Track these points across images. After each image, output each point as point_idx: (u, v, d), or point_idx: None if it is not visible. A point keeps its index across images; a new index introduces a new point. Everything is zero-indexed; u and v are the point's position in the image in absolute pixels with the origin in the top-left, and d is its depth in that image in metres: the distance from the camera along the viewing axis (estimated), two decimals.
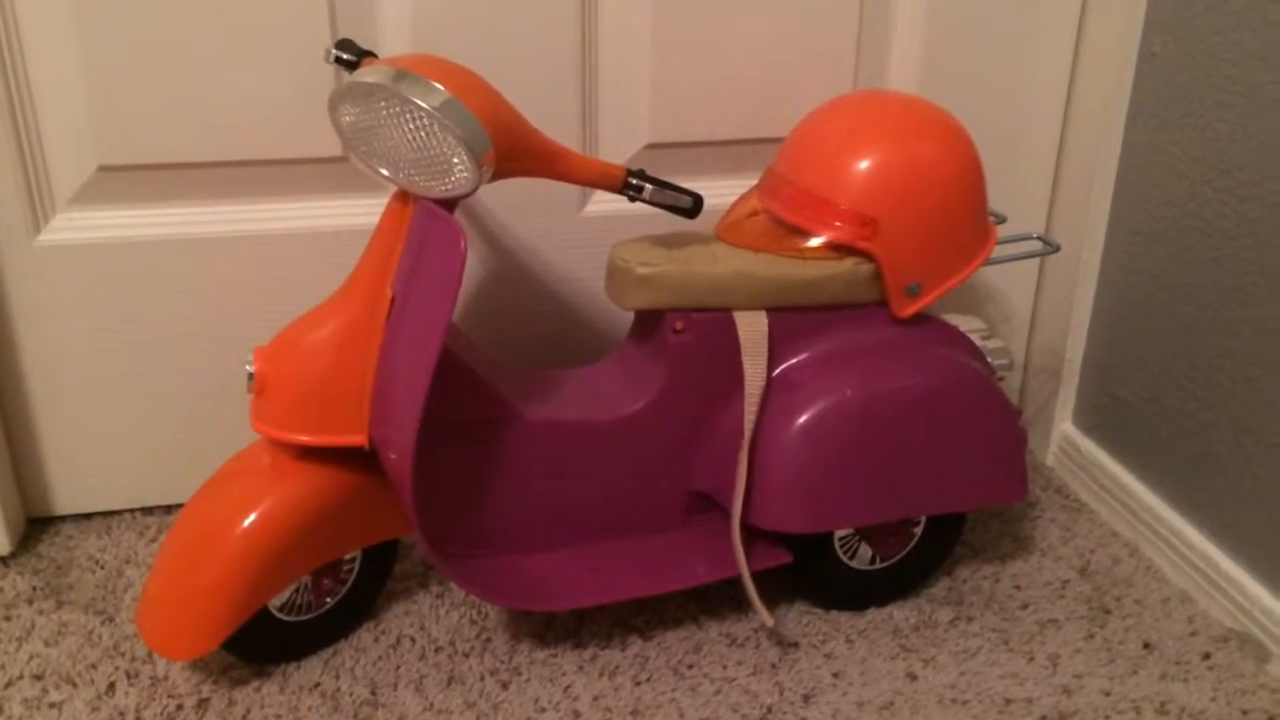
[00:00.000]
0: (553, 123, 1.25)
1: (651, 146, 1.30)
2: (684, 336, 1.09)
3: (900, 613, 1.19)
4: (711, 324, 1.08)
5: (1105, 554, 1.31)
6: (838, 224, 1.08)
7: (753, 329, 1.09)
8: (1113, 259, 1.38)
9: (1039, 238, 1.22)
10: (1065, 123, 1.40)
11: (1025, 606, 1.21)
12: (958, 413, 1.12)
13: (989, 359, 1.19)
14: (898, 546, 1.20)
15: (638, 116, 1.28)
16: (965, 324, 1.24)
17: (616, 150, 1.29)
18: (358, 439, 1.02)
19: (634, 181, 1.02)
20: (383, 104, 0.94)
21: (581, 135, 1.27)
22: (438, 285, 0.95)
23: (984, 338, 1.23)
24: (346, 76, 0.97)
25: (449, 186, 0.95)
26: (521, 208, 1.29)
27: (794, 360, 1.11)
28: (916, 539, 1.20)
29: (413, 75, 0.92)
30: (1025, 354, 1.52)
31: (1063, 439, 1.49)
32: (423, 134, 0.93)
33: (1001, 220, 1.22)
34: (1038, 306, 1.49)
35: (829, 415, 1.08)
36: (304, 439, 1.01)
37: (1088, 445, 1.44)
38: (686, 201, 1.04)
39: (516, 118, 0.97)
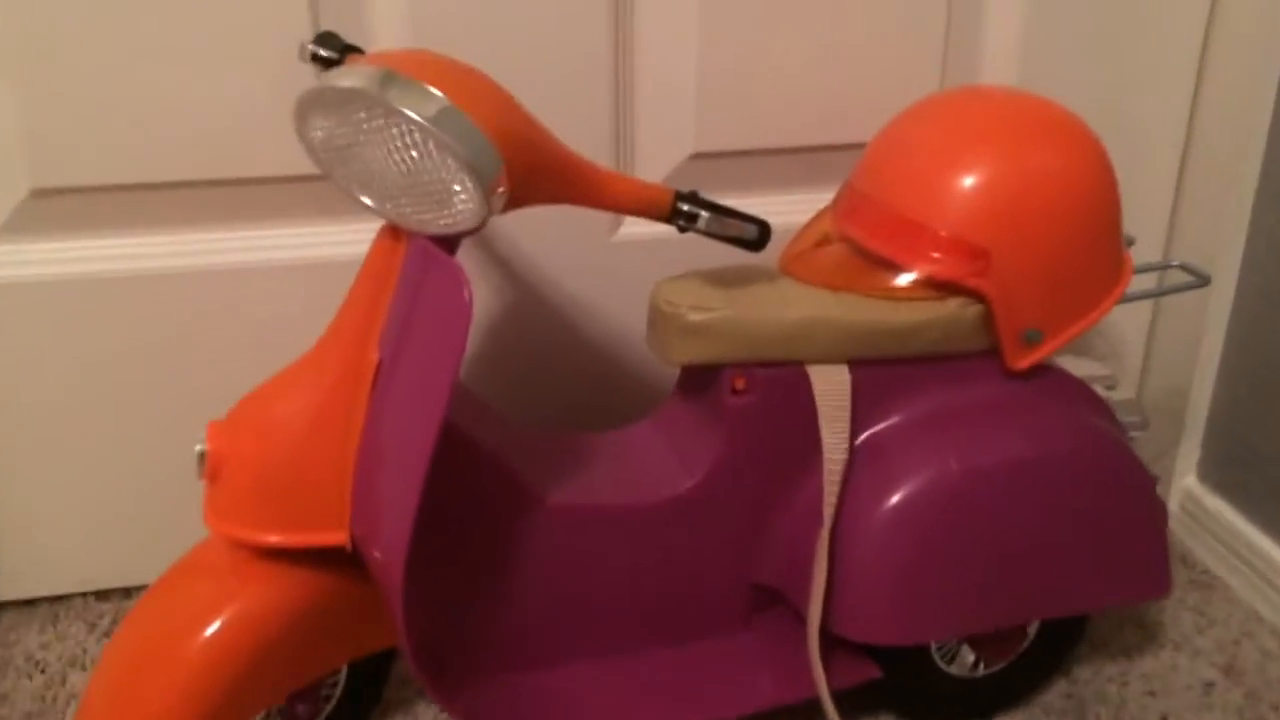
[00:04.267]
0: (577, 130, 1.03)
1: (698, 156, 1.08)
2: (746, 397, 0.87)
3: None
4: (780, 381, 0.86)
5: (1252, 646, 1.08)
6: (937, 255, 0.86)
7: (832, 387, 0.87)
8: (1250, 285, 1.15)
9: (1183, 266, 0.99)
10: (1192, 120, 1.16)
11: (1164, 719, 0.98)
12: (1086, 488, 0.90)
13: (1118, 417, 0.97)
14: (1007, 650, 0.97)
15: (681, 118, 1.06)
16: (1082, 369, 1.01)
17: (655, 163, 1.08)
18: (335, 537, 0.81)
19: (685, 208, 0.80)
20: (363, 115, 0.72)
21: (614, 145, 1.05)
22: (436, 347, 0.74)
23: (1108, 387, 1.00)
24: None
25: (449, 221, 0.74)
26: (540, 231, 1.07)
27: (883, 425, 0.89)
28: (1029, 640, 0.98)
29: (402, 77, 0.71)
30: (1137, 393, 1.29)
31: (1185, 497, 1.26)
32: (414, 153, 0.72)
33: (1130, 243, 0.99)
34: (1154, 337, 1.26)
35: (929, 494, 0.86)
36: (268, 539, 0.80)
37: (1217, 505, 1.21)
38: (751, 231, 0.82)
39: (535, 129, 0.75)
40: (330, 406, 0.79)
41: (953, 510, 0.87)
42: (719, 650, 0.92)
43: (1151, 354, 1.26)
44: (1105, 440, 0.91)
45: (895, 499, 0.86)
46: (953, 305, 0.87)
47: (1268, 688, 1.02)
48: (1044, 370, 0.91)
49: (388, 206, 0.76)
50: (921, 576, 0.87)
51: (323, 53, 0.86)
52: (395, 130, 0.71)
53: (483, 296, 1.08)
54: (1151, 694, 1.01)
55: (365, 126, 0.73)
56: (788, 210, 1.05)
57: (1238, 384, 1.18)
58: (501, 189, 0.72)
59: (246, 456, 0.80)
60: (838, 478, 0.86)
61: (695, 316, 0.84)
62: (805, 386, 0.86)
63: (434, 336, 0.74)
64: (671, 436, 0.92)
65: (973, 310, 0.87)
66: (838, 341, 0.86)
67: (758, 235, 0.83)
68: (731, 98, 1.06)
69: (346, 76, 0.71)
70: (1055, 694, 1.01)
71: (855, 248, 0.90)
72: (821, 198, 1.03)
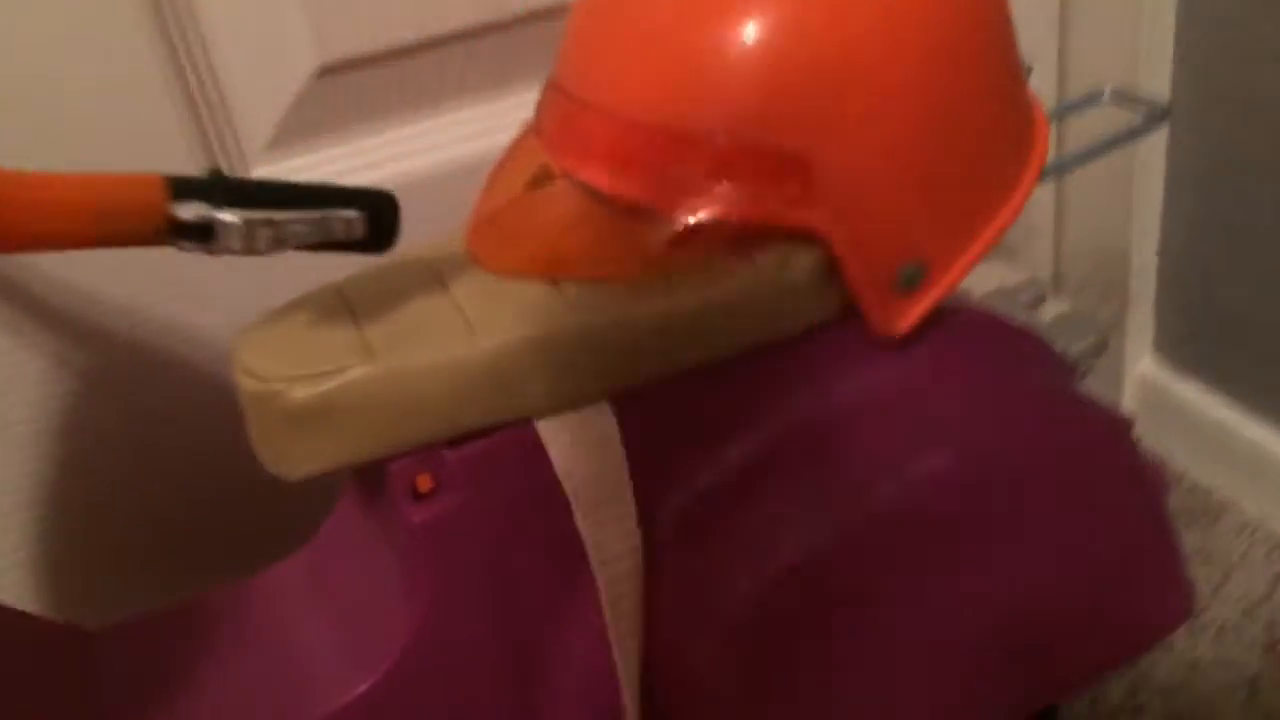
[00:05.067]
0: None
1: (327, 72, 0.65)
2: (439, 502, 0.49)
3: None
4: (495, 460, 0.49)
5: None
6: (721, 184, 0.47)
7: (586, 447, 0.49)
8: (1189, 109, 0.79)
9: (1117, 94, 0.62)
10: None
11: None
12: (1043, 504, 0.55)
13: (1066, 351, 0.61)
14: None
15: (283, 19, 0.64)
16: (988, 280, 0.66)
17: (255, 99, 0.65)
18: None
19: (186, 215, 0.40)
20: None
21: (174, 81, 0.62)
22: None
23: (1036, 301, 0.65)
24: None
25: None
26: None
27: (689, 482, 0.52)
28: None
29: None
30: (1053, 265, 0.94)
31: (1143, 384, 0.92)
32: None
33: (1028, 72, 0.62)
34: (1065, 193, 0.90)
35: (776, 588, 0.50)
36: None
37: (1184, 389, 0.89)
38: (354, 224, 0.43)
39: None
40: None
41: (829, 595, 0.51)
42: None
43: (1066, 214, 0.90)
44: (1057, 418, 0.56)
45: (730, 602, 0.50)
46: (767, 262, 0.49)
47: None
48: (941, 322, 0.55)
49: None
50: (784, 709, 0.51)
51: None
52: None
53: None
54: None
55: None
56: (471, 134, 0.65)
57: (1191, 233, 0.84)
58: None
59: None
60: (628, 588, 0.50)
61: (304, 391, 0.45)
62: (540, 458, 0.49)
63: None
64: (335, 586, 0.54)
65: (803, 261, 0.50)
66: (581, 367, 0.48)
67: (369, 228, 0.43)
68: None
69: None
70: None
71: (582, 190, 0.51)
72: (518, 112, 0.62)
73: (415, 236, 0.56)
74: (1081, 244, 0.91)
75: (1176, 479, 0.87)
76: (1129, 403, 0.94)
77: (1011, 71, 0.53)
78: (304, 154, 0.67)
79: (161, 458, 0.64)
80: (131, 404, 0.63)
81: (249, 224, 0.39)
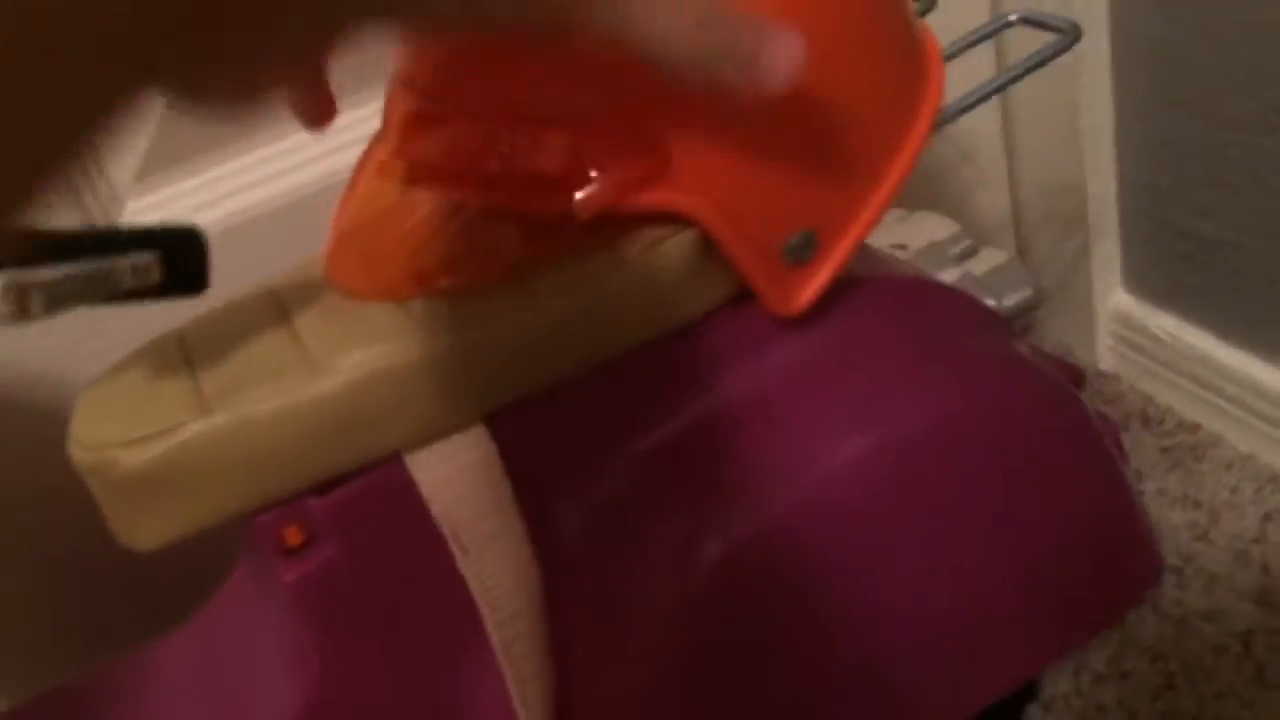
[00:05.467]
0: None
1: None
2: (313, 556, 0.45)
3: None
4: (366, 504, 0.44)
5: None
6: (578, 172, 0.43)
7: (462, 478, 0.45)
8: (1132, 19, 0.74)
9: (1025, 19, 0.56)
10: None
11: None
12: (986, 473, 0.50)
13: (999, 307, 0.56)
14: None
15: None
16: (918, 234, 0.61)
17: None
18: None
19: None
20: None
21: None
22: None
23: (965, 254, 0.60)
24: None
25: None
26: None
27: (589, 495, 0.48)
28: None
29: None
30: (1011, 204, 0.89)
31: (1118, 319, 0.87)
32: None
33: (929, 7, 0.57)
34: (1011, 128, 0.84)
35: (702, 594, 0.46)
36: None
37: (1165, 322, 0.83)
38: (150, 270, 0.38)
39: None
40: None
41: (761, 592, 0.47)
42: None
43: (1015, 151, 0.84)
44: (996, 380, 0.51)
45: (658, 615, 0.46)
46: (635, 251, 0.45)
47: None
48: (853, 291, 0.50)
49: None
50: None
51: None
52: None
53: None
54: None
55: None
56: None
57: (1146, 157, 0.78)
58: None
59: None
60: (525, 629, 0.46)
61: (135, 457, 0.41)
62: (413, 495, 0.44)
63: None
64: (226, 656, 0.50)
65: (676, 243, 0.45)
66: (443, 392, 0.44)
67: (169, 270, 0.39)
68: None
69: None
70: None
71: (438, 199, 0.47)
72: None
73: (304, 251, 0.52)
74: (1035, 180, 0.86)
75: (1160, 417, 0.82)
76: (1104, 340, 0.88)
77: (893, 4, 0.48)
78: (179, 179, 0.64)
79: (46, 528, 0.60)
80: (12, 472, 0.60)
81: (12, 288, 0.35)
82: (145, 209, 0.64)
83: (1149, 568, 0.53)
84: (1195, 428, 0.81)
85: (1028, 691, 0.63)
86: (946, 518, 0.49)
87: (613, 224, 0.45)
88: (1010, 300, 0.56)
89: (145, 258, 0.38)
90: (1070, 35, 0.52)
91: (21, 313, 0.35)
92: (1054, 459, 0.51)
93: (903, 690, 0.50)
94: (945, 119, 0.49)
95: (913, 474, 0.49)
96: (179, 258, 0.39)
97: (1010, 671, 0.52)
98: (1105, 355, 0.89)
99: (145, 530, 0.43)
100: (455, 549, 0.44)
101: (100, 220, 0.63)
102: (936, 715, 0.50)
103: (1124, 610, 0.54)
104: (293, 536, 0.44)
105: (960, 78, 0.52)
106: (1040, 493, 0.51)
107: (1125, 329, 0.87)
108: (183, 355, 0.45)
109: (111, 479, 0.42)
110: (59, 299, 0.36)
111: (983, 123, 0.81)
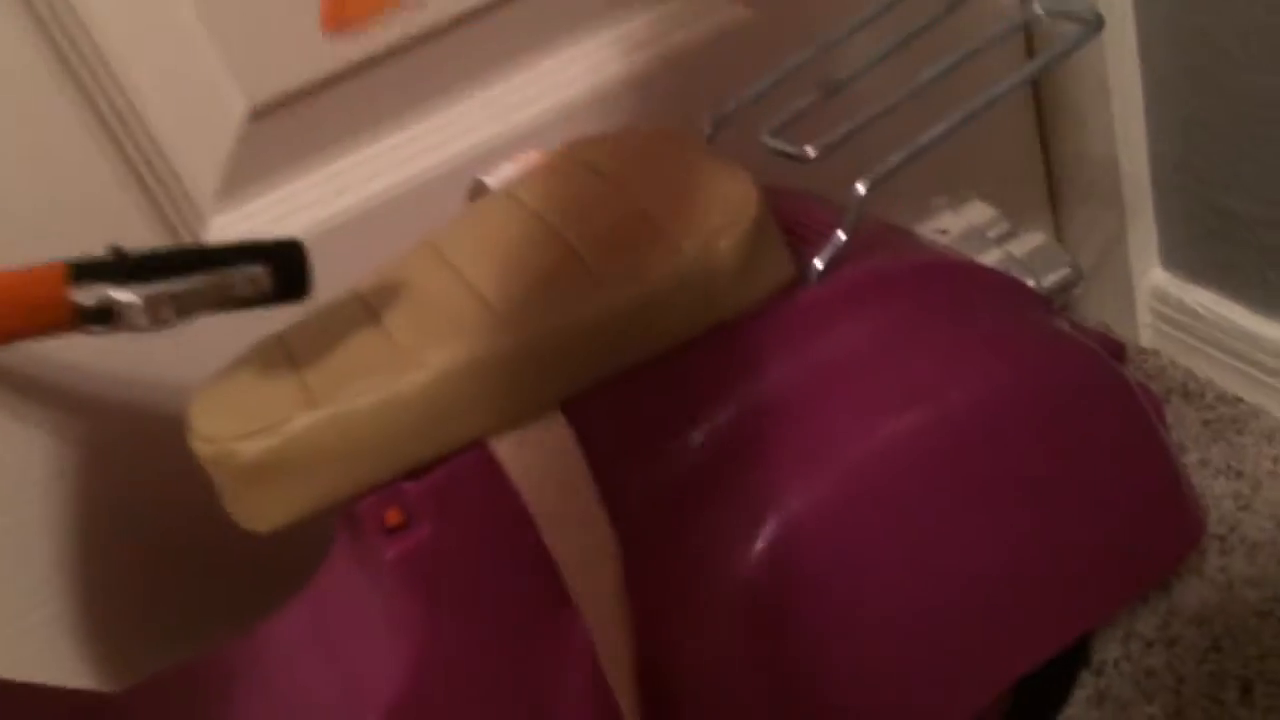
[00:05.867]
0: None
1: (260, 114, 0.65)
2: (413, 534, 0.49)
3: None
4: (456, 486, 0.49)
5: None
6: None
7: (544, 457, 0.49)
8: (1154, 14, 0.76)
9: (1048, 11, 0.59)
10: None
11: None
12: (1035, 444, 0.53)
13: (1038, 287, 0.59)
14: None
15: (197, 64, 0.64)
16: (957, 220, 0.64)
17: (195, 146, 0.65)
18: None
19: (85, 304, 0.40)
20: None
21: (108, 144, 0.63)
22: None
23: (1004, 237, 0.63)
24: None
25: None
26: None
27: (656, 474, 0.52)
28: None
29: None
30: (1047, 188, 0.91)
31: (1156, 296, 0.90)
32: None
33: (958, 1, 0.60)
34: (1044, 112, 0.87)
35: (767, 563, 0.50)
36: None
37: (1203, 297, 0.86)
38: (260, 280, 0.43)
39: None
40: None
41: (823, 563, 0.50)
42: None
43: (1051, 132, 0.87)
44: (1040, 354, 0.54)
45: (728, 581, 0.50)
46: (694, 243, 0.48)
47: None
48: (898, 275, 0.53)
49: None
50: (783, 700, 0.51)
51: None
52: None
53: None
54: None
55: None
56: (431, 149, 0.65)
57: (1181, 136, 0.81)
58: None
59: None
60: (607, 594, 0.50)
61: (253, 448, 0.46)
62: (503, 474, 0.48)
63: None
64: (333, 630, 0.54)
65: (731, 235, 0.49)
66: (523, 381, 0.48)
67: (278, 280, 0.43)
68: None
69: None
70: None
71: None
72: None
73: (385, 254, 0.56)
74: (1070, 162, 0.89)
75: (1200, 391, 0.84)
76: (1144, 317, 0.91)
77: None
78: (256, 197, 0.68)
79: (167, 517, 0.65)
80: (136, 469, 0.65)
81: (150, 300, 0.39)
82: (228, 224, 0.68)
83: (1193, 524, 0.56)
84: (1236, 401, 0.83)
85: (1080, 657, 0.65)
86: (1000, 485, 0.53)
87: (668, 211, 0.48)
88: (1049, 280, 0.59)
89: (256, 269, 0.42)
90: (1094, 25, 0.55)
91: (160, 322, 0.40)
92: (1099, 424, 0.54)
93: (964, 651, 0.53)
94: (977, 110, 0.52)
95: (965, 445, 0.52)
96: (285, 268, 0.43)
97: (1068, 626, 0.55)
98: (1145, 332, 0.92)
99: (263, 514, 0.47)
100: (540, 523, 0.48)
101: (186, 237, 0.67)
102: (999, 671, 0.53)
103: (1172, 566, 0.57)
104: (393, 517, 0.48)
105: (991, 69, 0.56)
106: (1086, 458, 0.54)
107: (1163, 305, 0.89)
108: (285, 356, 0.49)
109: (231, 469, 0.46)
110: (187, 308, 0.40)
111: (1017, 110, 0.84)
